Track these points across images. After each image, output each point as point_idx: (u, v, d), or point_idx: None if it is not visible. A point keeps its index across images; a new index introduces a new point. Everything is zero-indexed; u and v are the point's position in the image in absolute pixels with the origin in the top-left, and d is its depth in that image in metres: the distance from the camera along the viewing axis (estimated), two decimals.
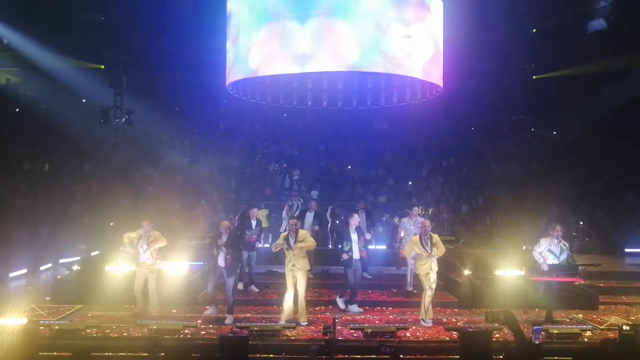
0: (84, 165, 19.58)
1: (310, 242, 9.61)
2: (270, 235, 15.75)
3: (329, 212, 15.03)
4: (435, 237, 9.79)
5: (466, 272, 11.29)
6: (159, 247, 10.12)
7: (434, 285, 9.68)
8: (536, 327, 7.43)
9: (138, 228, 10.14)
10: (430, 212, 17.94)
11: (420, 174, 21.27)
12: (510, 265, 11.29)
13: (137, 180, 19.38)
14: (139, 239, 10.01)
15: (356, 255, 10.12)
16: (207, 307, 9.96)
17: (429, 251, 9.58)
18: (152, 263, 10.00)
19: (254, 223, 11.66)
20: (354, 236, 10.13)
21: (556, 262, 9.71)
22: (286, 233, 9.68)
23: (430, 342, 8.75)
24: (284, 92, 13.24)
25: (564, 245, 9.82)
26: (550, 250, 9.76)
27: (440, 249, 9.68)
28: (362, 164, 21.89)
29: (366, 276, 11.98)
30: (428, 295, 9.59)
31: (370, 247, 12.77)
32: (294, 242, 9.45)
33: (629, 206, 17.94)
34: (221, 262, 9.60)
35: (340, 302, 10.33)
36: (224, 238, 9.65)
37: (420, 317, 9.67)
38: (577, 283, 10.59)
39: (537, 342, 7.13)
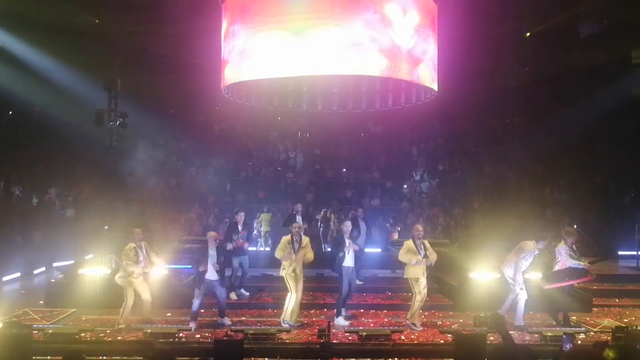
0: (78, 168, 19.55)
1: (310, 255, 9.75)
2: (270, 240, 15.85)
3: (321, 215, 15.15)
4: (427, 243, 9.81)
5: (461, 274, 11.32)
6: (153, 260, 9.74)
7: (424, 291, 9.69)
8: (566, 337, 7.51)
9: (130, 234, 9.73)
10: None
11: (415, 177, 21.33)
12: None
13: (132, 183, 19.37)
14: (136, 251, 9.50)
15: (351, 263, 9.99)
16: (190, 322, 9.44)
17: (422, 256, 9.60)
18: (144, 274, 9.58)
19: (240, 227, 11.50)
20: (348, 242, 9.97)
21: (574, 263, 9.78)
22: (289, 237, 9.67)
23: (425, 344, 8.77)
24: (279, 95, 13.26)
25: (575, 247, 9.94)
26: (570, 256, 9.82)
27: (432, 255, 9.71)
28: (357, 167, 21.92)
29: (357, 282, 12.01)
30: (418, 300, 9.60)
31: (366, 249, 12.87)
32: (298, 248, 9.52)
33: (622, 209, 18.05)
34: (211, 275, 9.36)
35: (340, 321, 9.98)
36: (212, 252, 9.39)
37: (409, 322, 9.66)
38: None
39: (565, 351, 7.19)
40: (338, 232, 14.72)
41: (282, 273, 9.62)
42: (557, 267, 9.86)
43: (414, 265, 9.58)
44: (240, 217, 11.59)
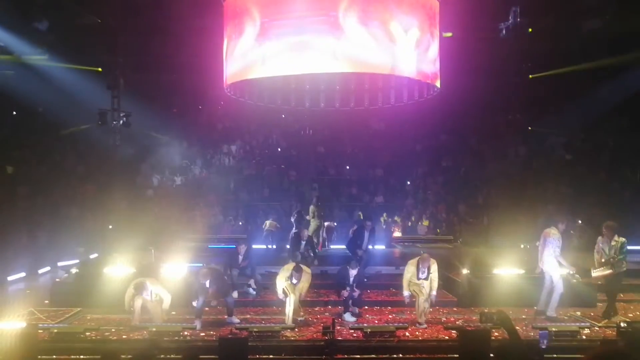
0: (81, 167, 19.59)
1: (307, 283, 9.84)
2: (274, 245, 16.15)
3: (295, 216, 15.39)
4: (434, 267, 9.70)
5: (465, 271, 11.31)
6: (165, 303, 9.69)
7: (427, 310, 9.68)
8: (542, 332, 7.52)
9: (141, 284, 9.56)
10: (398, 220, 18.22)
11: (418, 174, 21.32)
12: (509, 264, 11.34)
13: (136, 183, 19.41)
14: (135, 296, 9.44)
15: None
16: (194, 320, 9.52)
17: (419, 277, 9.57)
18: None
19: (240, 258, 11.55)
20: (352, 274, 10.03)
21: (605, 258, 9.93)
22: (290, 272, 9.63)
23: (430, 341, 8.77)
24: (282, 93, 13.26)
25: (616, 241, 9.91)
26: (602, 248, 9.99)
27: (434, 282, 9.62)
28: (360, 165, 21.92)
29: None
30: (421, 300, 9.61)
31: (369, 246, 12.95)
32: (298, 281, 9.57)
33: (625, 203, 18.00)
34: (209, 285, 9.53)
35: (347, 317, 10.07)
36: (207, 283, 9.48)
37: (417, 320, 9.70)
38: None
39: (543, 347, 7.20)
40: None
41: (279, 280, 9.67)
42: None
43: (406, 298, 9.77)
44: (242, 249, 11.65)
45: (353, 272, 9.99)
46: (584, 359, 3.44)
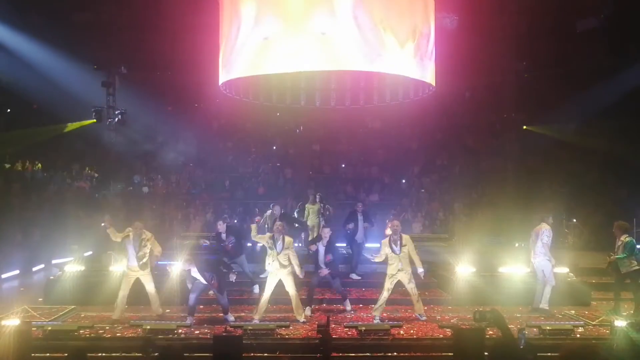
0: (76, 165, 19.53)
1: (296, 260, 9.64)
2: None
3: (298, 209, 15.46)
4: (406, 237, 9.72)
5: (459, 269, 11.32)
6: (154, 250, 9.76)
7: (414, 290, 9.66)
8: (520, 334, 7.57)
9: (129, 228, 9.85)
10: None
11: (413, 172, 21.33)
12: (504, 262, 11.37)
13: (131, 180, 19.36)
14: (128, 239, 9.70)
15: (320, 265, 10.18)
16: (187, 317, 9.51)
17: (397, 252, 9.55)
18: (141, 268, 9.70)
19: (224, 236, 11.53)
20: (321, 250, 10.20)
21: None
22: (271, 234, 9.72)
23: (424, 339, 8.77)
24: (277, 91, 13.24)
25: (622, 240, 10.00)
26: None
27: (411, 250, 9.61)
28: (355, 163, 21.92)
29: (354, 277, 12.09)
30: (383, 295, 9.60)
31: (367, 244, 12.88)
32: (282, 248, 9.51)
33: (621, 202, 18.03)
34: (197, 275, 9.39)
35: (348, 303, 10.28)
36: (192, 271, 9.37)
37: (372, 313, 9.72)
38: None
39: (521, 347, 7.25)
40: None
41: (267, 268, 9.73)
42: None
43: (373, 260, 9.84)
44: (220, 226, 11.59)
45: (321, 245, 10.14)
46: (558, 357, 3.44)
